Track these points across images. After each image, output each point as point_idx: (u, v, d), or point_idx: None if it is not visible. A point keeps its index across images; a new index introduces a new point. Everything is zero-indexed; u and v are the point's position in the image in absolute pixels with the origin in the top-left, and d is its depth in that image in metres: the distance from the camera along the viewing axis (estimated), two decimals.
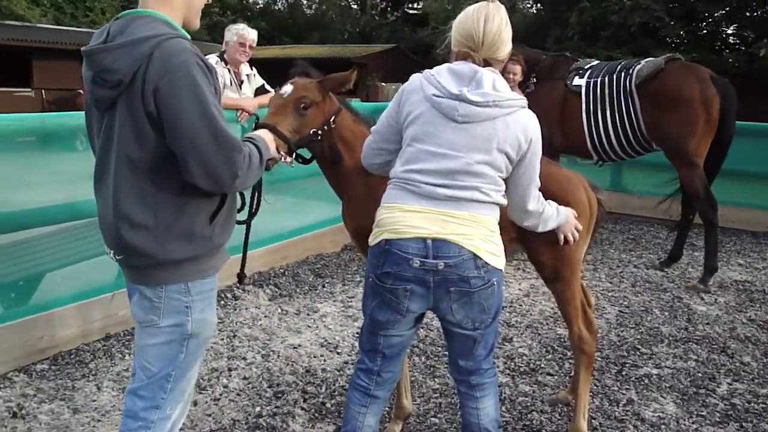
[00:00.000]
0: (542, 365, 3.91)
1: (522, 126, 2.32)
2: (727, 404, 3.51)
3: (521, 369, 3.85)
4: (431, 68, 2.45)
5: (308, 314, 4.62)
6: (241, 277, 2.75)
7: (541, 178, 2.69)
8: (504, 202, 2.41)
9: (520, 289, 5.30)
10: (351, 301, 4.89)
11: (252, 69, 5.18)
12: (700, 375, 3.84)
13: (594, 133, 5.76)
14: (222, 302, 4.69)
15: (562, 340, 4.28)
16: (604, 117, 5.67)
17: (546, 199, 2.66)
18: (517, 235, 2.76)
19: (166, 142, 1.96)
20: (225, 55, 4.94)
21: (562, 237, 2.66)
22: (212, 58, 4.86)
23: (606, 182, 8.20)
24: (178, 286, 2.09)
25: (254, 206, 2.52)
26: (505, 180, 2.39)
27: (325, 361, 3.89)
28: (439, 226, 2.28)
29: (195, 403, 3.35)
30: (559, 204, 2.69)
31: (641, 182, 7.87)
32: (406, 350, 2.57)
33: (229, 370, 3.73)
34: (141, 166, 1.99)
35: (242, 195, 2.53)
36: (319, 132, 2.71)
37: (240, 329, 4.29)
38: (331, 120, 2.72)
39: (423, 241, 2.27)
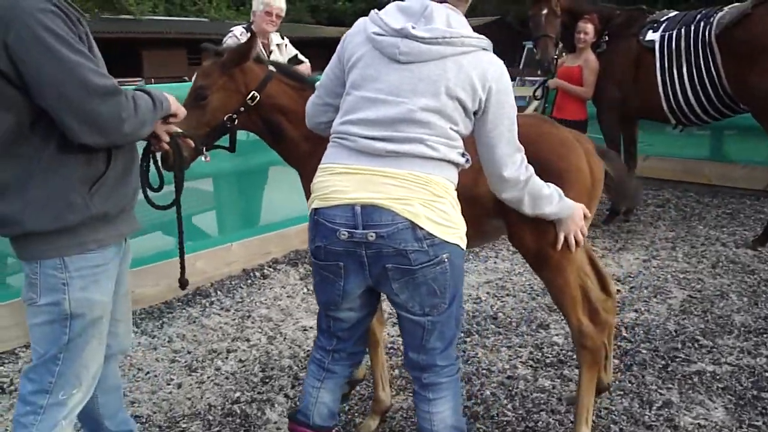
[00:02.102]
0: (573, 357, 3.42)
1: (479, 69, 1.92)
2: None
3: (547, 360, 3.38)
4: None
5: None
6: (182, 283, 2.51)
7: (530, 139, 2.27)
8: (461, 161, 2.01)
9: None
10: None
11: (284, 39, 4.94)
12: (767, 375, 3.18)
13: (669, 92, 5.02)
14: (249, 281, 4.55)
15: None
16: (680, 74, 4.92)
17: (535, 166, 2.22)
18: (495, 208, 2.31)
19: (32, 102, 1.77)
20: (252, 26, 4.74)
21: (561, 237, 2.21)
22: (238, 29, 4.69)
23: (705, 150, 7.29)
24: (53, 261, 1.89)
25: (147, 181, 2.24)
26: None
27: None
28: (372, 190, 1.91)
29: (179, 386, 3.21)
30: (551, 171, 2.24)
31: (746, 150, 6.88)
32: (363, 329, 2.23)
33: (228, 351, 3.55)
34: (8, 128, 1.81)
35: (160, 174, 2.32)
36: (234, 116, 2.47)
37: (256, 309, 4.11)
38: (253, 94, 2.46)
39: (351, 209, 1.92)
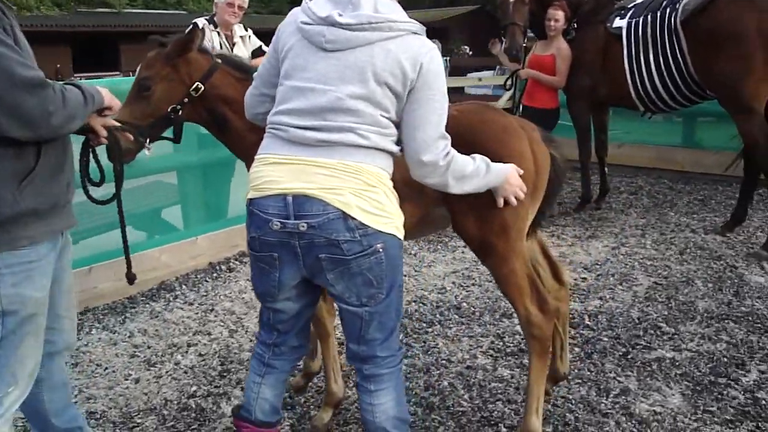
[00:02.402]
0: None
1: (409, 53, 1.89)
2: (748, 398, 2.86)
3: (508, 350, 3.37)
4: None
5: None
6: (129, 278, 2.48)
7: (472, 126, 2.25)
8: (395, 149, 1.98)
9: None
10: None
11: (247, 30, 4.88)
12: (725, 360, 3.18)
13: (637, 79, 5.01)
14: (214, 275, 4.51)
15: (572, 316, 3.73)
16: (647, 60, 4.91)
17: (472, 151, 2.19)
18: (438, 196, 2.28)
19: None
20: (215, 18, 4.68)
21: (501, 200, 2.17)
22: (200, 21, 4.62)
23: (678, 137, 7.30)
24: None
25: (88, 175, 2.24)
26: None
27: None
28: (303, 180, 1.88)
29: (137, 381, 3.17)
30: (493, 157, 2.21)
31: (718, 136, 6.88)
32: (303, 322, 2.19)
33: (188, 345, 3.52)
34: None
35: (100, 168, 2.30)
36: (179, 107, 2.45)
37: (220, 303, 4.07)
38: (197, 86, 2.43)
39: (283, 199, 1.89)
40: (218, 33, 4.65)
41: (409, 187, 2.33)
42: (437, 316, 3.80)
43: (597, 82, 5.30)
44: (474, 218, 2.27)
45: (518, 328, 3.60)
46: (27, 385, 2.06)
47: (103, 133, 2.21)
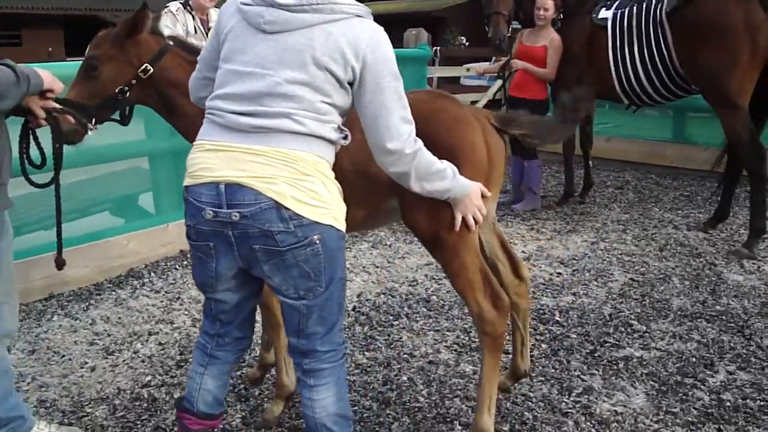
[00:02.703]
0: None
1: (350, 37, 1.80)
2: (713, 399, 2.79)
3: (473, 345, 3.29)
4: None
5: None
6: (58, 262, 2.42)
7: (422, 116, 2.16)
8: (335, 137, 1.90)
9: (523, 252, 4.65)
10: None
11: None
12: (694, 360, 3.11)
13: (621, 71, 4.91)
14: (185, 262, 4.43)
15: (542, 311, 3.67)
16: (631, 53, 4.81)
17: (426, 144, 2.11)
18: (390, 186, 2.20)
19: None
20: (190, 1, 4.58)
21: (459, 218, 2.09)
22: (174, 5, 4.53)
23: (668, 132, 7.20)
24: None
25: (28, 156, 2.20)
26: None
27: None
28: (236, 168, 1.80)
29: (92, 369, 3.11)
30: (443, 147, 2.13)
31: (709, 132, 6.78)
32: (246, 313, 2.12)
33: (149, 334, 3.45)
34: None
35: (41, 150, 2.24)
36: (126, 88, 2.39)
37: (187, 291, 4.00)
38: (146, 67, 2.38)
39: (216, 187, 1.81)
40: (193, 17, 4.55)
41: (360, 177, 2.26)
42: (405, 308, 3.73)
43: (582, 74, 5.19)
44: (425, 211, 2.19)
45: None
46: None
47: (42, 114, 2.16)
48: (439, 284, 4.07)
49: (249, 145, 1.82)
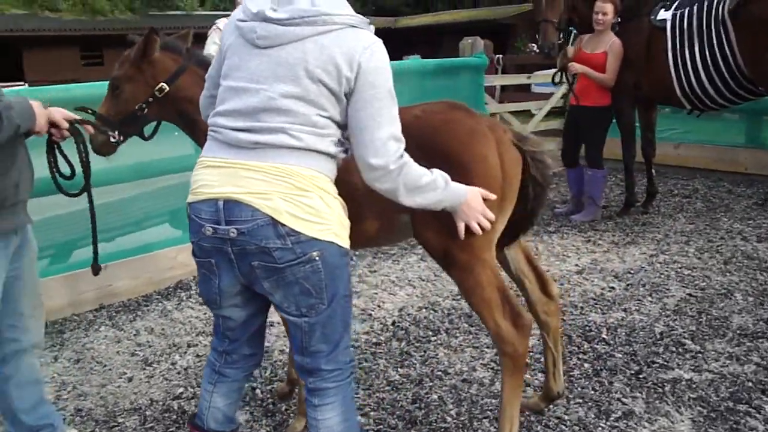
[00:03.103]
0: (541, 360, 3.20)
1: (344, 47, 1.76)
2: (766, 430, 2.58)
3: None
4: None
5: None
6: (94, 269, 2.50)
7: (434, 128, 2.10)
8: (334, 150, 1.86)
9: (576, 265, 4.46)
10: (391, 274, 4.43)
11: None
12: (750, 385, 2.88)
13: (682, 75, 4.66)
14: None
15: (589, 328, 3.50)
16: (692, 54, 4.56)
17: (433, 155, 2.05)
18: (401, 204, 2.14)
19: None
20: None
21: (461, 227, 2.00)
22: (221, 21, 4.63)
23: (741, 137, 6.78)
24: None
25: (58, 169, 2.29)
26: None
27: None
28: (234, 184, 1.80)
29: (130, 380, 3.18)
30: (455, 161, 2.06)
31: None
32: (254, 330, 2.09)
33: (189, 346, 3.50)
34: None
35: (68, 161, 2.32)
36: (144, 106, 2.49)
37: None
38: (161, 87, 2.46)
39: (215, 204, 1.81)
40: None
41: (371, 193, 2.20)
42: (445, 323, 3.64)
43: (641, 79, 4.96)
44: (436, 228, 2.11)
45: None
46: None
47: (65, 125, 2.23)
48: None
49: (246, 161, 1.81)
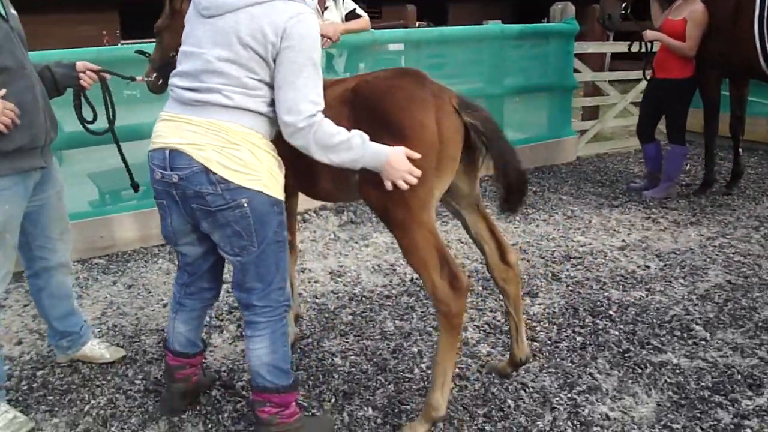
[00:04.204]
0: (543, 327, 3.22)
1: (271, 18, 1.96)
2: (732, 423, 2.47)
3: (505, 328, 3.23)
4: None
5: (355, 242, 4.49)
6: (133, 186, 2.92)
7: (378, 93, 2.24)
8: (265, 110, 2.07)
9: (623, 241, 4.33)
10: None
11: None
12: (739, 378, 2.74)
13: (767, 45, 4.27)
14: None
15: (600, 304, 3.44)
16: None
17: (375, 118, 2.19)
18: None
19: None
20: None
21: (388, 183, 2.11)
22: None
23: None
24: None
25: (82, 116, 2.64)
26: None
27: (315, 288, 3.80)
28: (178, 135, 2.07)
29: (165, 305, 3.61)
30: (391, 125, 2.17)
31: None
32: (208, 266, 2.39)
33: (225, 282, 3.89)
34: None
35: (92, 107, 2.70)
36: (174, 53, 2.68)
37: None
38: None
39: (163, 152, 2.09)
40: None
41: None
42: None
43: (727, 49, 4.60)
44: (375, 186, 2.24)
45: (534, 308, 3.44)
46: (1, 285, 2.51)
47: (93, 76, 2.68)
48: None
49: (188, 116, 2.07)
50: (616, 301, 3.47)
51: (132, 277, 4.03)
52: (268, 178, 2.09)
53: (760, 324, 3.18)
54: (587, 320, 3.28)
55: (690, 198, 5.15)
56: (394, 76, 2.33)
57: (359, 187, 2.35)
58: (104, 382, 2.87)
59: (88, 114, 2.78)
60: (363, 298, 3.62)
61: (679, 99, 4.94)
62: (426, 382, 2.79)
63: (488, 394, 2.69)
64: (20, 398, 2.77)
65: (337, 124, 2.19)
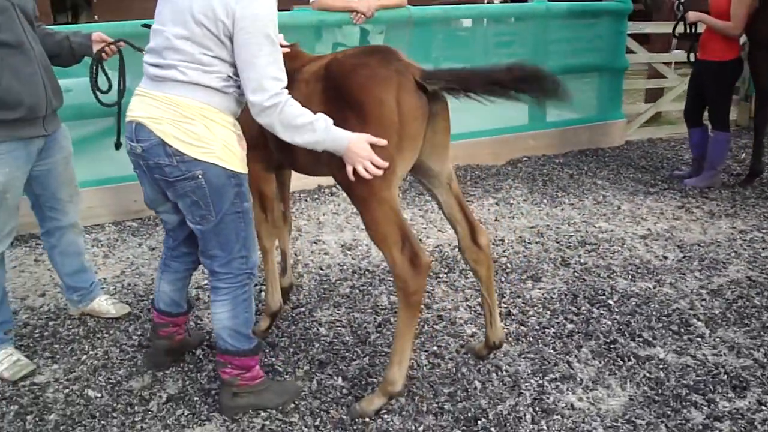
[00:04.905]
0: (536, 312, 3.19)
1: None
2: (705, 424, 2.38)
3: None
4: None
5: None
6: (116, 144, 2.94)
7: (343, 71, 2.28)
8: (220, 85, 2.14)
9: (648, 230, 4.18)
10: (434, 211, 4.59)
11: None
12: (724, 378, 2.62)
13: None
14: (316, 196, 4.95)
15: (601, 292, 3.36)
16: None
17: (339, 96, 2.23)
18: None
19: None
20: None
21: (349, 168, 2.14)
22: None
23: None
24: None
25: (97, 85, 2.76)
26: None
27: (323, 260, 3.88)
28: (141, 109, 2.20)
29: None
30: (352, 102, 2.20)
31: None
32: (189, 234, 2.47)
33: None
34: None
35: (107, 77, 2.83)
36: None
37: (299, 218, 4.52)
38: None
39: (131, 125, 2.22)
40: None
41: None
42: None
43: (750, 23, 4.30)
44: (338, 162, 2.28)
45: (534, 293, 3.40)
46: (2, 245, 2.74)
47: (112, 48, 2.78)
48: (527, 248, 3.94)
49: (150, 91, 2.18)
50: (620, 290, 3.38)
51: (158, 240, 4.25)
52: (222, 151, 2.16)
53: (767, 324, 3.02)
54: (583, 308, 3.21)
55: (735, 188, 4.88)
56: (362, 53, 2.35)
57: (328, 163, 2.40)
58: (105, 335, 3.07)
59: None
60: (366, 272, 3.68)
61: (720, 82, 4.68)
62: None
63: (458, 374, 2.70)
64: (30, 344, 3.01)
65: (311, 100, 2.26)
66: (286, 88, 2.12)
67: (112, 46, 2.77)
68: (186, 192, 2.19)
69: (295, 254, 3.97)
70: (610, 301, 3.27)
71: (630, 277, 3.54)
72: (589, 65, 6.05)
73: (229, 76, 2.14)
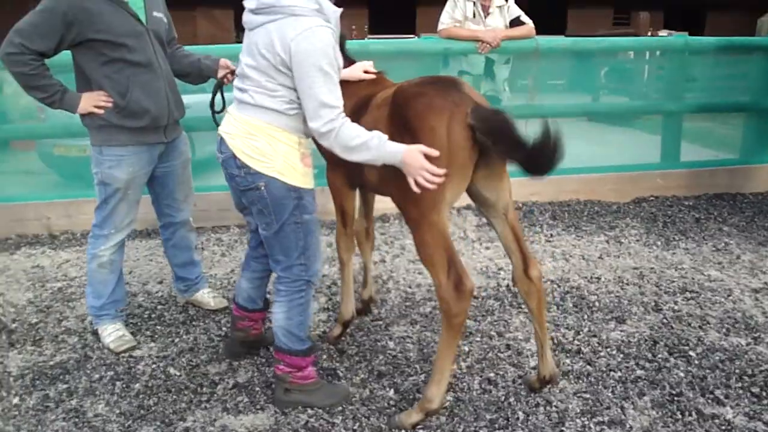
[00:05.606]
0: (609, 353, 3.11)
1: (280, 33, 2.30)
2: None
3: (565, 346, 3.17)
4: None
5: (480, 244, 4.58)
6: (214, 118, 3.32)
7: (403, 101, 2.47)
8: (283, 108, 2.40)
9: (765, 283, 3.85)
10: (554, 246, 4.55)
11: (507, 0, 5.06)
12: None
13: None
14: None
15: (685, 342, 3.18)
16: None
17: (399, 121, 2.41)
18: None
19: None
20: None
21: (412, 181, 2.30)
22: None
23: None
24: (98, 148, 3.07)
25: (213, 105, 3.10)
26: None
27: (414, 278, 4.01)
28: (225, 126, 2.54)
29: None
30: (408, 128, 2.37)
31: None
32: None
33: None
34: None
35: (223, 98, 3.19)
36: None
37: (403, 243, 4.70)
38: None
39: (219, 138, 2.57)
40: (474, 2, 5.00)
41: None
42: (556, 298, 3.69)
43: None
44: (393, 182, 2.44)
45: (614, 334, 3.30)
46: (121, 231, 3.19)
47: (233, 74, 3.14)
48: (623, 289, 3.82)
49: (233, 111, 2.52)
50: (707, 343, 3.18)
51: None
52: (283, 166, 2.42)
53: None
54: (659, 356, 3.07)
55: None
56: (426, 83, 2.49)
57: (384, 185, 2.57)
58: (200, 323, 3.46)
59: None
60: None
61: None
62: (456, 380, 2.90)
63: (505, 402, 2.72)
64: (139, 323, 3.47)
65: (379, 123, 2.46)
66: (363, 110, 2.34)
67: (232, 76, 3.13)
68: (252, 200, 2.47)
69: (391, 271, 4.16)
70: (692, 353, 3.09)
71: (724, 330, 3.31)
72: (735, 104, 5.66)
73: (292, 99, 2.39)
